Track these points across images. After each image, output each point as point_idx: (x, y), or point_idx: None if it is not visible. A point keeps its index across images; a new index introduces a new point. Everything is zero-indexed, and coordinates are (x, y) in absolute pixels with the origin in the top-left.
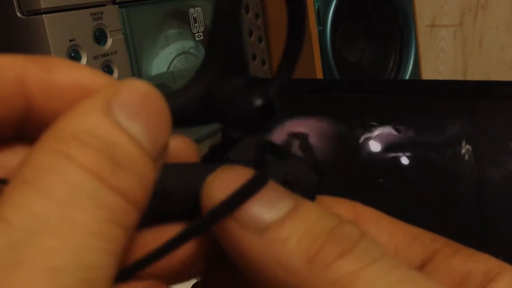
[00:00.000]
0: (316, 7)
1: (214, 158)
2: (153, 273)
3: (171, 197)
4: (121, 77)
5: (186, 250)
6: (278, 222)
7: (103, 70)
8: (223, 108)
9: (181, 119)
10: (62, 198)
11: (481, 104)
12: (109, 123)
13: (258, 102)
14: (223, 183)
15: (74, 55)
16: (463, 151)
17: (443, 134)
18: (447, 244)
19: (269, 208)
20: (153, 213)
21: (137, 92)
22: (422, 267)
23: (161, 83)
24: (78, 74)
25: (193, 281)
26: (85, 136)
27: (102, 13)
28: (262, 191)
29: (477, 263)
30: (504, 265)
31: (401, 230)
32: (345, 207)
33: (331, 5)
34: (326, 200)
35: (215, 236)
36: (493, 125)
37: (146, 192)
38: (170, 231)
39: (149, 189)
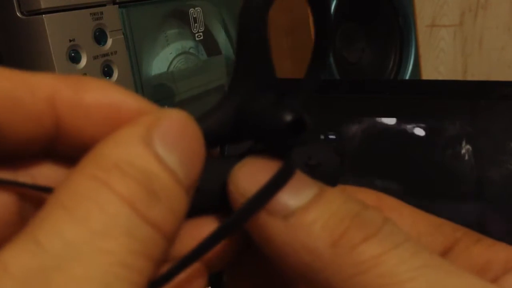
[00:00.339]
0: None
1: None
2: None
3: (199, 193)
4: (121, 77)
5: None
6: (303, 208)
7: (103, 70)
8: (253, 125)
9: (213, 141)
10: (96, 227)
11: (481, 104)
12: (149, 154)
13: (288, 117)
14: (250, 174)
15: (74, 55)
16: (463, 151)
17: (443, 134)
18: (468, 233)
19: (294, 195)
20: None
21: (176, 123)
22: (443, 255)
23: (161, 83)
24: (108, 94)
25: None
26: (125, 165)
27: (102, 13)
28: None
29: (497, 252)
30: None
31: (423, 220)
32: (368, 197)
33: (331, 5)
34: (350, 190)
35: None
36: (493, 125)
37: (177, 224)
38: (199, 225)
39: (181, 221)
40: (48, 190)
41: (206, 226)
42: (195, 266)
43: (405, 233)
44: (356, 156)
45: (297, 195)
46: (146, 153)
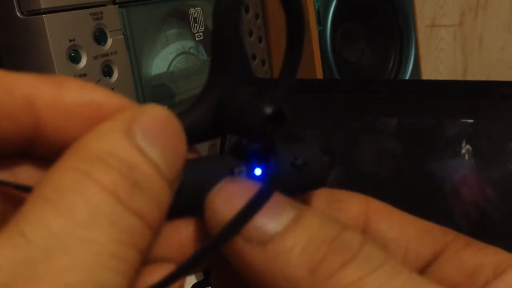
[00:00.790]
0: (316, 7)
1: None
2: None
3: (181, 194)
4: (121, 77)
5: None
6: (281, 233)
7: (103, 70)
8: (234, 119)
9: (194, 136)
10: (81, 218)
11: (481, 104)
12: (131, 146)
13: (268, 110)
14: (226, 199)
15: (74, 55)
16: (463, 151)
17: (443, 134)
18: (458, 237)
19: (272, 219)
20: None
21: (157, 118)
22: (433, 260)
23: (161, 83)
24: (90, 94)
25: (192, 281)
26: (107, 157)
27: (102, 13)
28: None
29: (487, 256)
30: None
31: (412, 224)
32: (357, 201)
33: (331, 5)
34: (339, 193)
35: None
36: (493, 125)
37: (161, 215)
38: (178, 227)
39: (165, 212)
40: (29, 189)
41: (185, 229)
42: (168, 268)
43: (384, 253)
44: (356, 156)
45: (274, 218)
46: (128, 145)
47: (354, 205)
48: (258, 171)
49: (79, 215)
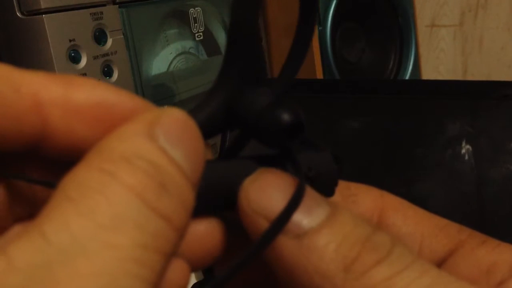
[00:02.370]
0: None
1: (230, 156)
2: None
3: (205, 194)
4: (121, 77)
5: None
6: (316, 229)
7: (103, 70)
8: (249, 122)
9: (206, 132)
10: (103, 221)
11: (481, 104)
12: (155, 148)
13: (288, 120)
14: (261, 190)
15: (74, 55)
16: (463, 151)
17: (443, 134)
18: (473, 235)
19: (307, 215)
20: None
21: (177, 120)
22: (448, 257)
23: (161, 83)
24: (101, 94)
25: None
26: (133, 158)
27: (102, 13)
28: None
29: (502, 254)
30: None
31: (427, 220)
32: (372, 195)
33: (331, 5)
34: (354, 187)
35: (252, 238)
36: (493, 125)
37: (187, 217)
38: (202, 225)
39: (190, 214)
40: (53, 185)
41: (202, 221)
42: (177, 263)
43: (414, 253)
44: (356, 156)
45: (310, 214)
46: (152, 147)
47: (368, 199)
48: None
49: (102, 217)
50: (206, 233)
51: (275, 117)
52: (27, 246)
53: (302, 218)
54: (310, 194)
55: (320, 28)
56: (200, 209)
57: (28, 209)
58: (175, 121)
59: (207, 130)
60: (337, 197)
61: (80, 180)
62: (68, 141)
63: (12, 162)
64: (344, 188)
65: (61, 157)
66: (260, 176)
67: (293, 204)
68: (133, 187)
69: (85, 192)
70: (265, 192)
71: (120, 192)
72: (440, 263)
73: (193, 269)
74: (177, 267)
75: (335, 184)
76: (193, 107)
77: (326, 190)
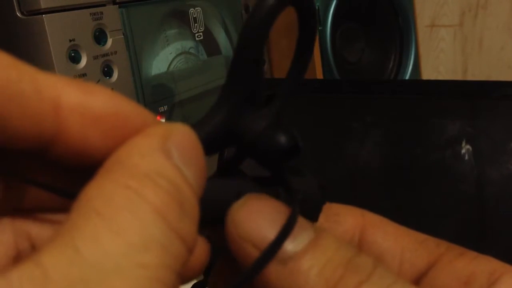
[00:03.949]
0: (316, 7)
1: (227, 171)
2: None
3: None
4: (121, 77)
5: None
6: (300, 253)
7: (103, 70)
8: (248, 144)
9: (205, 150)
10: (134, 240)
11: (481, 104)
12: (172, 166)
13: (285, 142)
14: (250, 216)
15: (74, 55)
16: (463, 151)
17: (443, 134)
18: (451, 248)
19: (292, 239)
20: None
21: (187, 138)
22: (427, 270)
23: (161, 83)
24: (117, 104)
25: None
26: (156, 176)
27: (102, 13)
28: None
29: (480, 265)
30: (507, 266)
31: (406, 236)
32: (353, 214)
33: (331, 5)
34: (335, 207)
35: (240, 265)
36: (493, 125)
37: (196, 237)
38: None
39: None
40: (69, 195)
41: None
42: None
43: (395, 274)
44: (356, 156)
45: (294, 239)
46: (170, 165)
47: (350, 218)
48: None
49: (133, 237)
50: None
51: (273, 139)
52: (61, 259)
53: (287, 243)
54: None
55: (320, 28)
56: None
57: (14, 205)
58: (185, 138)
59: (206, 148)
60: (321, 218)
61: (107, 195)
62: (79, 146)
63: (16, 162)
64: (327, 208)
65: (69, 162)
66: (248, 202)
67: (285, 233)
68: (157, 207)
69: (113, 208)
70: (252, 218)
71: (147, 212)
72: (420, 276)
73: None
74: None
75: (320, 210)
76: (194, 123)
77: (312, 214)
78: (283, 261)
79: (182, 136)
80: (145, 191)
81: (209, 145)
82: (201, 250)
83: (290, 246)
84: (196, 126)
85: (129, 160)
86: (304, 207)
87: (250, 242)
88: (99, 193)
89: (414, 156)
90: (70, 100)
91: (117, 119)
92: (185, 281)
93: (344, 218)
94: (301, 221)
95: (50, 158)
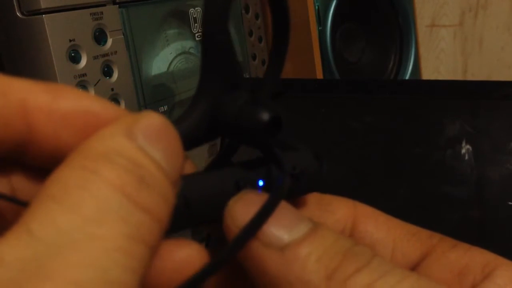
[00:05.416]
0: (316, 7)
1: (221, 164)
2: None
3: (191, 208)
4: (121, 77)
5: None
6: (298, 241)
7: (103, 70)
8: (229, 125)
9: (190, 142)
10: (88, 213)
11: (481, 104)
12: (133, 146)
13: (265, 117)
14: (245, 207)
15: (74, 55)
16: (463, 151)
17: (443, 134)
18: (444, 239)
19: (289, 229)
20: (173, 224)
21: (155, 122)
22: (420, 261)
23: (161, 83)
24: (85, 103)
25: None
26: (113, 155)
27: (102, 13)
28: (283, 215)
29: (474, 257)
30: (501, 259)
31: (399, 226)
32: (344, 205)
33: (331, 5)
34: (327, 198)
35: (237, 256)
36: (493, 125)
37: (168, 211)
38: (172, 250)
39: (171, 209)
40: (26, 204)
41: (180, 252)
42: None
43: (392, 263)
44: (356, 156)
45: (292, 229)
46: (131, 146)
47: (342, 208)
48: (261, 183)
49: (86, 211)
50: (187, 259)
51: (252, 115)
52: (16, 243)
53: (284, 233)
54: (292, 211)
55: (320, 28)
56: (189, 221)
57: None
58: (152, 123)
59: (191, 140)
60: (313, 207)
61: (62, 179)
62: (53, 147)
63: (1, 170)
64: (319, 199)
65: (46, 163)
66: (244, 195)
67: (265, 212)
68: (114, 182)
69: (68, 189)
70: (248, 209)
71: (102, 187)
72: (413, 267)
73: None
74: None
75: (319, 179)
76: (176, 118)
77: (311, 186)
78: (281, 249)
79: (148, 121)
80: (100, 169)
81: (194, 137)
82: (197, 258)
83: (287, 235)
84: (177, 120)
85: (86, 145)
86: (304, 178)
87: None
88: (54, 179)
89: (414, 156)
90: (37, 101)
91: (86, 117)
92: None
93: (336, 208)
94: (298, 213)
95: (27, 160)
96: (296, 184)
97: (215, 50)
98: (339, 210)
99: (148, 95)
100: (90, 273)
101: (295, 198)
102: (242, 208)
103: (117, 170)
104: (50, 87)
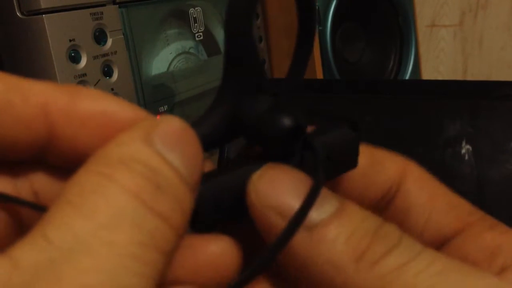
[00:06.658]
0: (316, 7)
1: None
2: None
3: (202, 208)
4: (121, 77)
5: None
6: (326, 222)
7: (103, 70)
8: (250, 129)
9: (209, 143)
10: (103, 219)
11: (481, 104)
12: (151, 152)
13: (287, 123)
14: (271, 184)
15: (74, 55)
16: (463, 151)
17: (443, 134)
18: (484, 218)
19: (317, 208)
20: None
21: (174, 127)
22: (454, 236)
23: (161, 83)
24: (103, 104)
25: None
26: (130, 161)
27: (102, 13)
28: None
29: (509, 239)
30: None
31: (442, 195)
32: (395, 162)
33: (331, 5)
34: (379, 155)
35: (263, 235)
36: (493, 125)
37: (185, 218)
38: (193, 248)
39: (188, 215)
40: (44, 209)
41: (202, 250)
42: None
43: (421, 244)
44: None
45: (319, 208)
46: (149, 151)
47: (393, 166)
48: None
49: (101, 217)
50: (220, 254)
51: (274, 121)
52: (30, 248)
53: (312, 212)
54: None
55: (320, 28)
56: (214, 221)
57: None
58: (171, 128)
59: (211, 141)
60: (365, 163)
61: (79, 185)
62: (73, 148)
63: (20, 171)
64: (370, 155)
65: (66, 163)
66: (268, 170)
67: (311, 198)
68: (130, 188)
69: (84, 195)
70: (275, 186)
71: (118, 193)
72: (444, 241)
73: None
74: None
75: (357, 155)
76: (196, 119)
77: (350, 163)
78: (308, 230)
79: (167, 126)
80: (116, 175)
81: (213, 138)
82: (230, 252)
83: (315, 214)
84: (197, 121)
85: (104, 151)
86: (341, 159)
87: (274, 210)
88: (72, 184)
89: (414, 156)
90: (57, 104)
91: (105, 117)
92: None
93: (388, 167)
94: (325, 191)
95: (49, 162)
96: (334, 165)
97: (238, 52)
98: (390, 169)
99: (148, 95)
100: (101, 278)
101: (335, 178)
102: (267, 185)
103: (133, 177)
104: (69, 89)
